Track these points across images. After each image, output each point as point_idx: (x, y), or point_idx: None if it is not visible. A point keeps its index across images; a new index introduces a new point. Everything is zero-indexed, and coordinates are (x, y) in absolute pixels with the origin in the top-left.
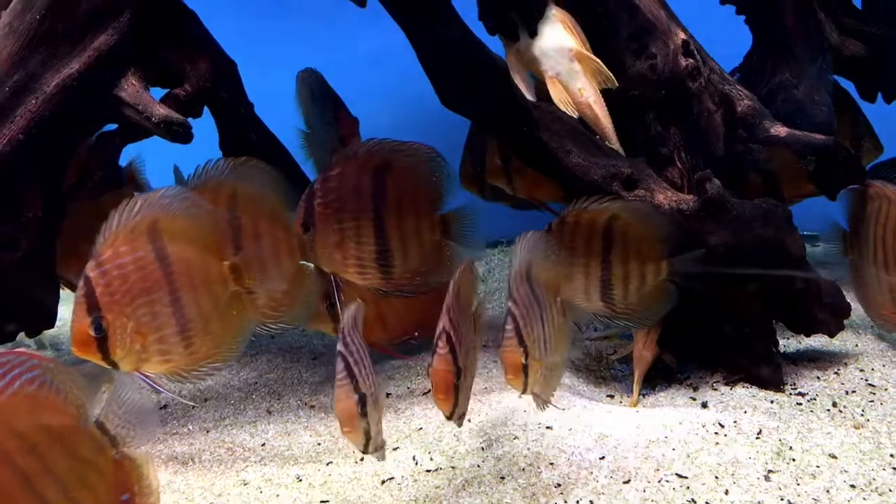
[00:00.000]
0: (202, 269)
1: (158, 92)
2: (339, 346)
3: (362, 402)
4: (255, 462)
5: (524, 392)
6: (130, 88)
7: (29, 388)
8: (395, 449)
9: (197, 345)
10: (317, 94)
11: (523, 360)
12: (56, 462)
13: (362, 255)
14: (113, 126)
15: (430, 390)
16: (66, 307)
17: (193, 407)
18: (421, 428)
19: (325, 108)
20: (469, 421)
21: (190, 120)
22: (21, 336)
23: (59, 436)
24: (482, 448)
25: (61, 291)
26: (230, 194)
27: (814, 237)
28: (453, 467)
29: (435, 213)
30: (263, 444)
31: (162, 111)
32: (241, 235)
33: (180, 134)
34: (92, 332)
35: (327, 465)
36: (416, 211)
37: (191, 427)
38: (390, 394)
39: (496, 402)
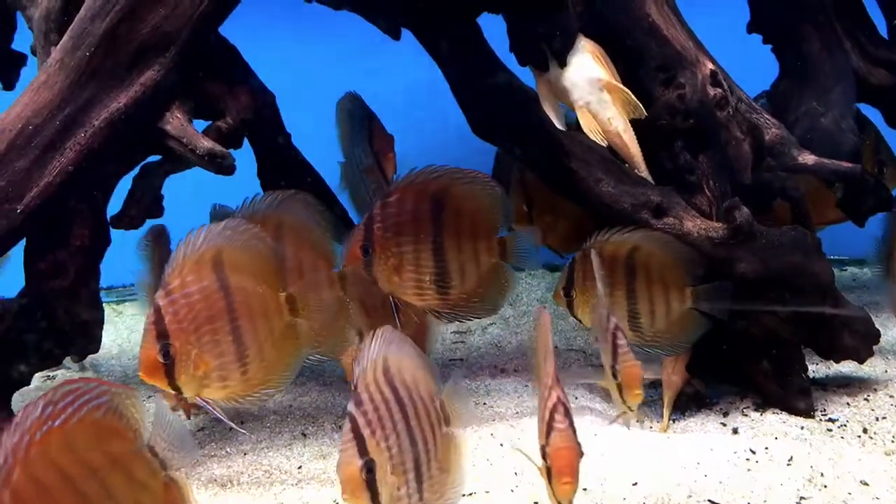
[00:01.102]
0: (260, 299)
1: (199, 124)
2: (350, 405)
3: (368, 467)
4: (292, 485)
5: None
6: (175, 121)
7: (95, 414)
8: None
9: (252, 371)
10: (355, 116)
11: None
12: (116, 486)
13: (421, 276)
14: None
15: None
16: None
17: (230, 430)
18: None
19: (362, 128)
20: (501, 446)
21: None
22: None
23: (119, 460)
24: (515, 473)
25: None
26: (276, 226)
27: (842, 262)
28: (487, 492)
29: (493, 237)
30: (300, 467)
31: (206, 144)
32: (285, 267)
33: (224, 166)
34: (160, 359)
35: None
36: (473, 234)
37: (228, 450)
38: None
39: (528, 426)
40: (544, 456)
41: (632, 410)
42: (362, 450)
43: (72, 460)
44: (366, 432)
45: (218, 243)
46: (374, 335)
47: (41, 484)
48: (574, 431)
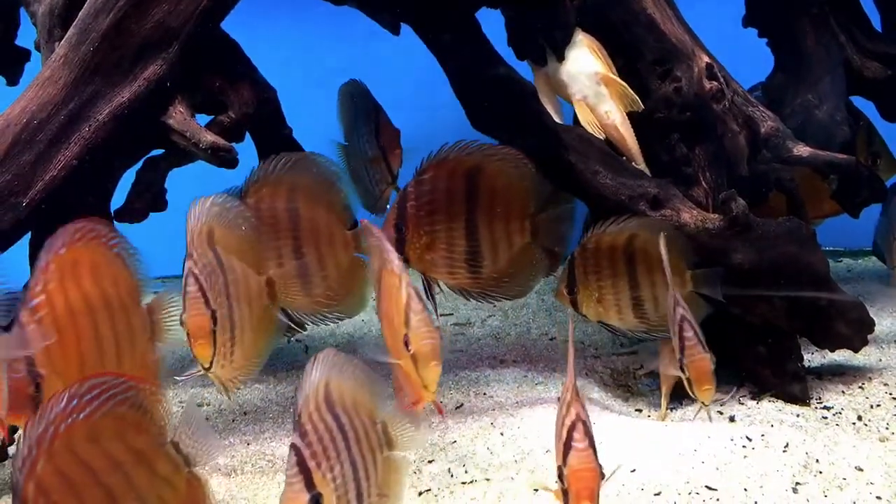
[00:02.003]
0: (245, 279)
1: (201, 118)
2: (294, 436)
3: (315, 501)
4: None
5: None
6: (178, 116)
7: (120, 409)
8: (430, 462)
9: (236, 355)
10: (359, 105)
11: (713, 366)
12: (139, 479)
13: (453, 255)
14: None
15: (461, 405)
16: None
17: (233, 421)
18: (455, 441)
19: (368, 119)
20: (502, 435)
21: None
22: None
23: (142, 455)
24: (515, 460)
25: None
26: (290, 188)
27: (837, 253)
28: (488, 479)
29: (525, 216)
30: None
31: (210, 138)
32: (299, 226)
33: (227, 160)
34: (211, 325)
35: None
36: (506, 213)
37: (232, 440)
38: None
39: (528, 415)
40: (561, 477)
41: (704, 405)
42: (309, 483)
43: (96, 453)
44: (311, 464)
45: (209, 219)
46: (315, 359)
47: (65, 476)
48: (595, 452)
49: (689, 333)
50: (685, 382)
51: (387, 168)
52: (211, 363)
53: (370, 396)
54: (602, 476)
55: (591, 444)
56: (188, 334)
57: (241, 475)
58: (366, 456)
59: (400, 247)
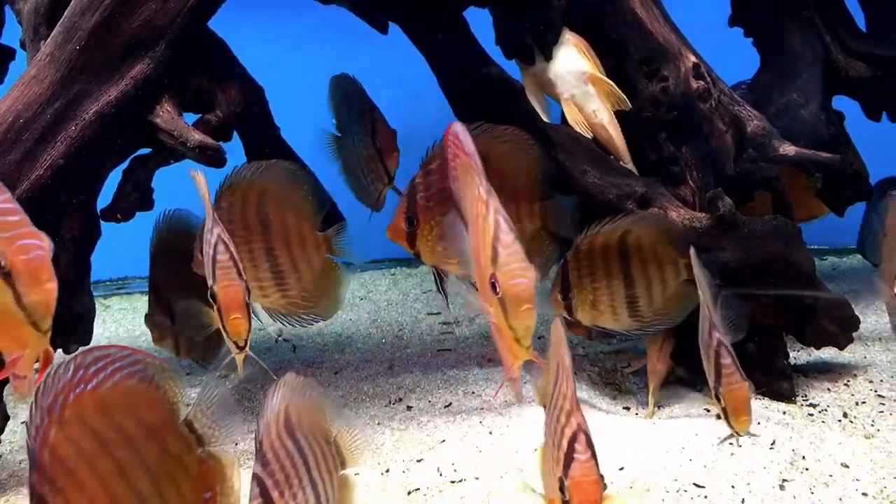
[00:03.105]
0: None
1: (189, 117)
2: (256, 465)
3: None
4: None
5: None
6: (165, 115)
7: (128, 382)
8: (419, 461)
9: None
10: (353, 102)
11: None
12: (148, 455)
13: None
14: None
15: (450, 404)
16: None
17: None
18: (444, 440)
19: (364, 118)
20: (490, 434)
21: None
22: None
23: (152, 430)
24: (504, 459)
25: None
26: (260, 192)
27: (822, 251)
28: (477, 478)
29: (534, 202)
30: None
31: (197, 137)
32: (270, 232)
33: (215, 159)
34: (246, 297)
35: (355, 475)
36: (515, 199)
37: None
38: (412, 406)
39: (516, 415)
40: (562, 488)
41: (739, 435)
42: None
43: (105, 425)
44: (274, 494)
45: None
46: (276, 384)
47: (77, 445)
48: (597, 463)
49: (726, 360)
50: (720, 412)
51: (384, 169)
52: (246, 341)
53: (325, 416)
54: (605, 487)
55: (594, 456)
56: (219, 308)
57: (241, 466)
58: (324, 479)
59: (411, 240)
